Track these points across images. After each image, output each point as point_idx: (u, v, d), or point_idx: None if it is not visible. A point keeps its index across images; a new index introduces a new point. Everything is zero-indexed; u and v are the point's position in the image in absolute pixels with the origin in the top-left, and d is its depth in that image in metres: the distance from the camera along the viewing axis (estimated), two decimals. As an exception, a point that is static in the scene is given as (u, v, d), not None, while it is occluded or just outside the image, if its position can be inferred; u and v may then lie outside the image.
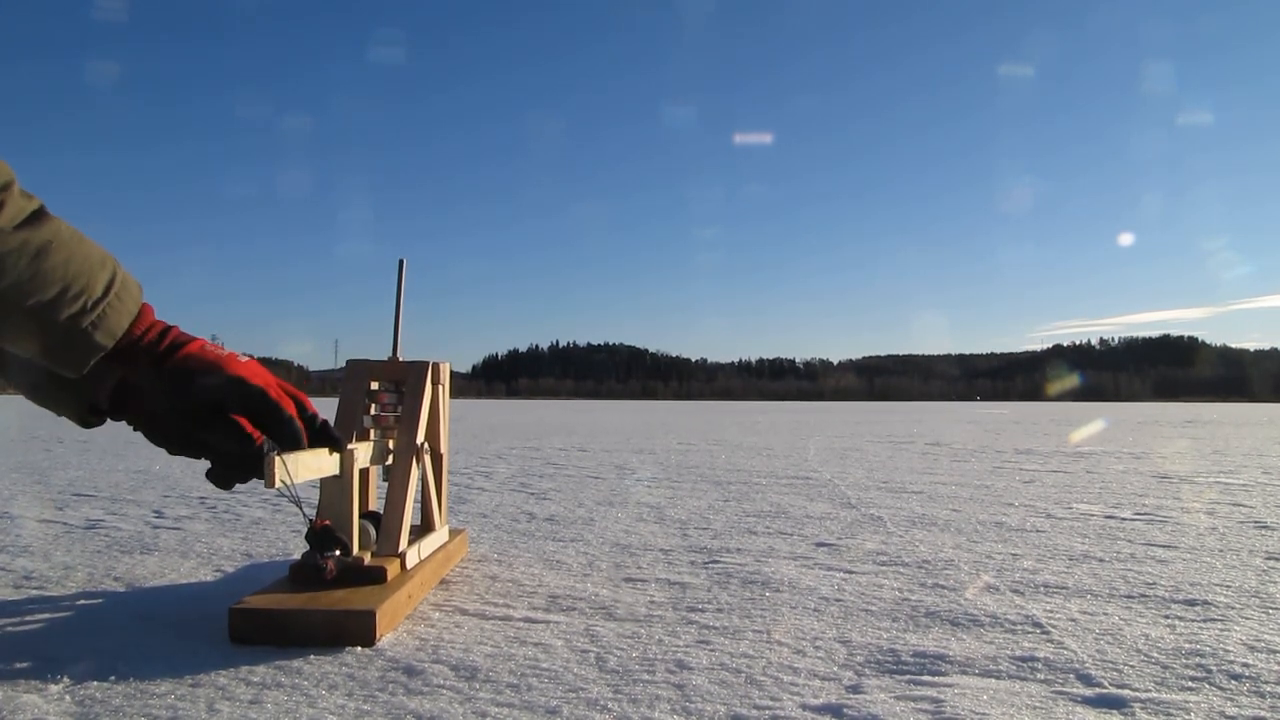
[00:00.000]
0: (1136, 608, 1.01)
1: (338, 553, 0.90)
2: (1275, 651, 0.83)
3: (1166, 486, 2.42)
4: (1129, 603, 1.03)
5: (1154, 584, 1.14)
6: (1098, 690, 0.72)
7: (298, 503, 0.81)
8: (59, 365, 0.68)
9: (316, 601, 0.85)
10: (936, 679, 0.75)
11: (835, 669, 0.77)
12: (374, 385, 1.11)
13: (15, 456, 3.27)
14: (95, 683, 0.72)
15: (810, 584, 1.12)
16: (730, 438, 5.21)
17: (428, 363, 1.12)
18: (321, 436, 0.83)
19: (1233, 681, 0.75)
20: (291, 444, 0.77)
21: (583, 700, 0.69)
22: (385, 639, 0.85)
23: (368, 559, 0.94)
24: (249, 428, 0.75)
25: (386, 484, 1.07)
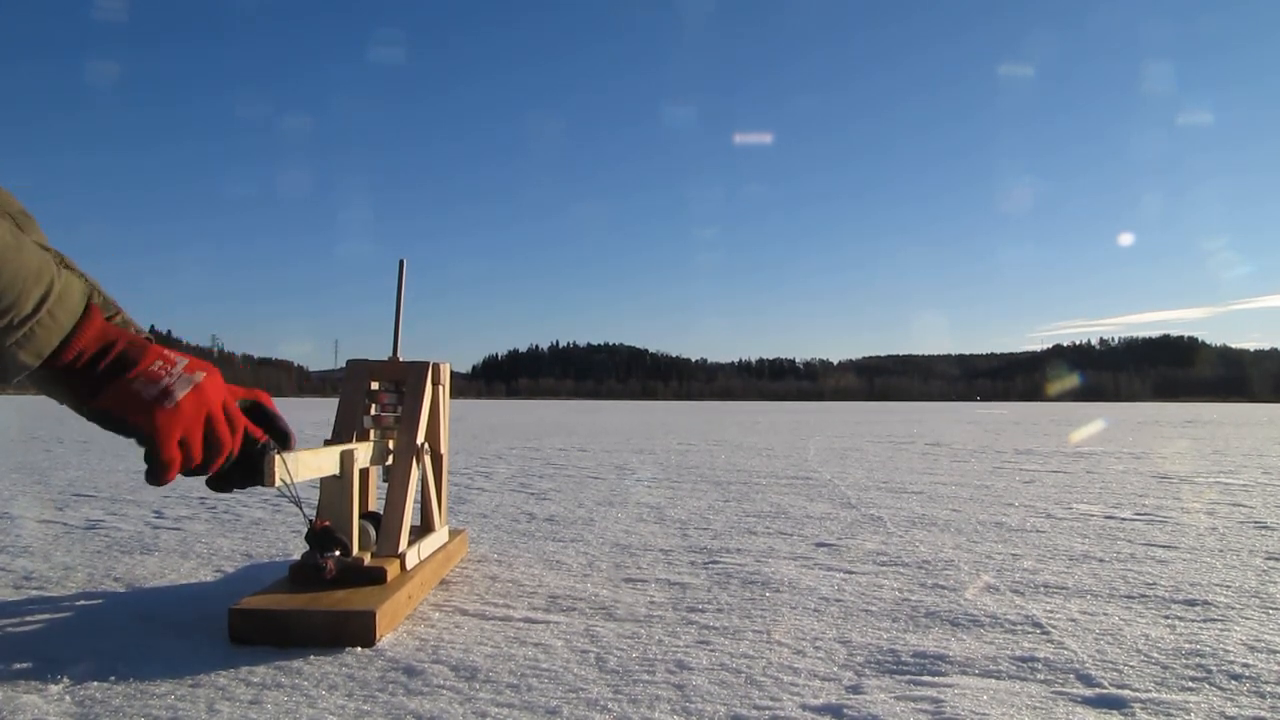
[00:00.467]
0: (1136, 608, 1.01)
1: (337, 553, 0.90)
2: (1275, 651, 0.83)
3: (1166, 486, 2.42)
4: (1129, 603, 1.03)
5: (1154, 584, 1.14)
6: (1098, 690, 0.72)
7: (297, 502, 0.81)
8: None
9: (317, 602, 0.85)
10: (936, 679, 0.75)
11: (835, 669, 0.77)
12: (374, 385, 1.11)
13: (15, 457, 3.27)
14: (95, 683, 0.72)
15: (810, 584, 1.12)
16: (730, 438, 5.21)
17: (428, 363, 1.12)
18: (248, 470, 0.79)
19: (1233, 681, 0.75)
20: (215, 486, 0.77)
21: (583, 700, 0.69)
22: (385, 639, 0.85)
23: (368, 559, 0.94)
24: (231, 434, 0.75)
25: (386, 484, 1.07)
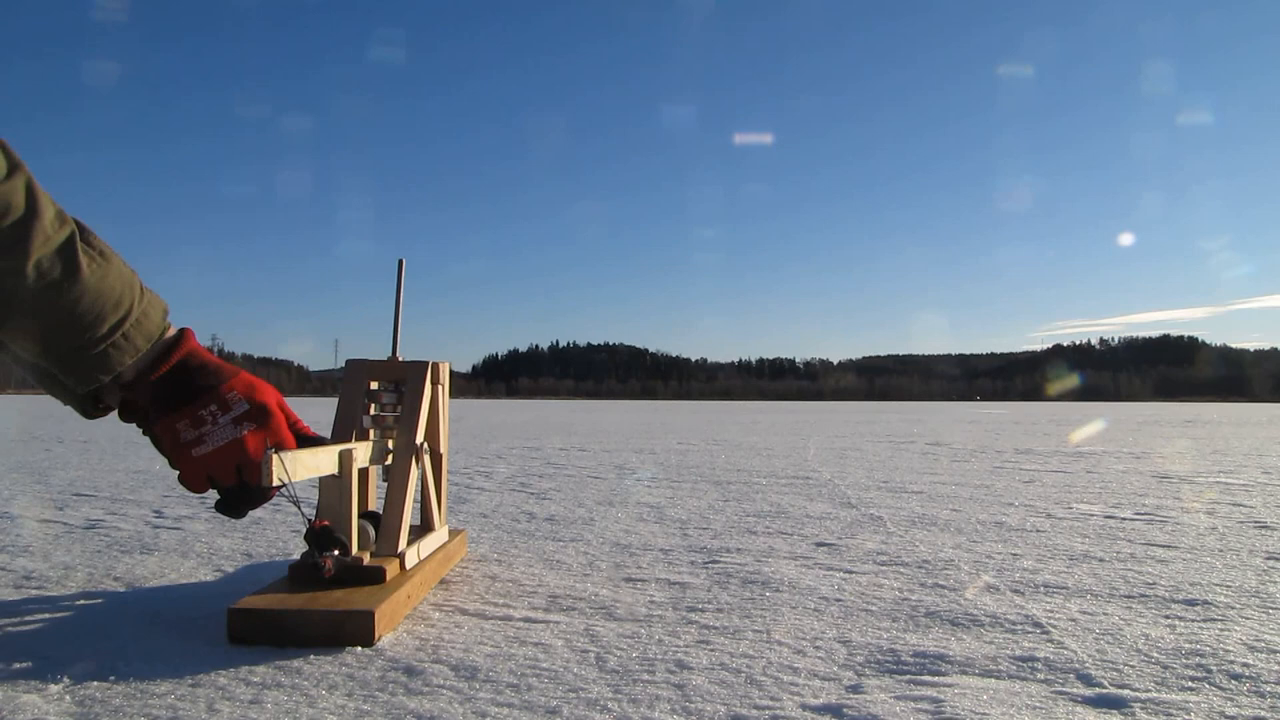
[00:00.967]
0: (1136, 608, 1.01)
1: (336, 553, 0.90)
2: (1275, 651, 0.83)
3: (1166, 486, 2.42)
4: (1129, 603, 1.03)
5: (1154, 584, 1.14)
6: (1098, 690, 0.72)
7: (296, 502, 0.82)
8: (63, 377, 0.74)
9: (315, 602, 0.85)
10: (936, 679, 0.75)
11: (835, 669, 0.77)
12: (373, 385, 1.11)
13: (15, 456, 3.27)
14: (95, 683, 0.72)
15: (810, 584, 1.12)
16: (730, 438, 5.21)
17: (427, 363, 1.12)
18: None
19: (1233, 681, 0.75)
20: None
21: (583, 700, 0.69)
22: (385, 639, 0.85)
23: (367, 559, 0.94)
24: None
25: (386, 484, 1.07)
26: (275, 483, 0.77)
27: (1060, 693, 0.72)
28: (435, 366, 1.14)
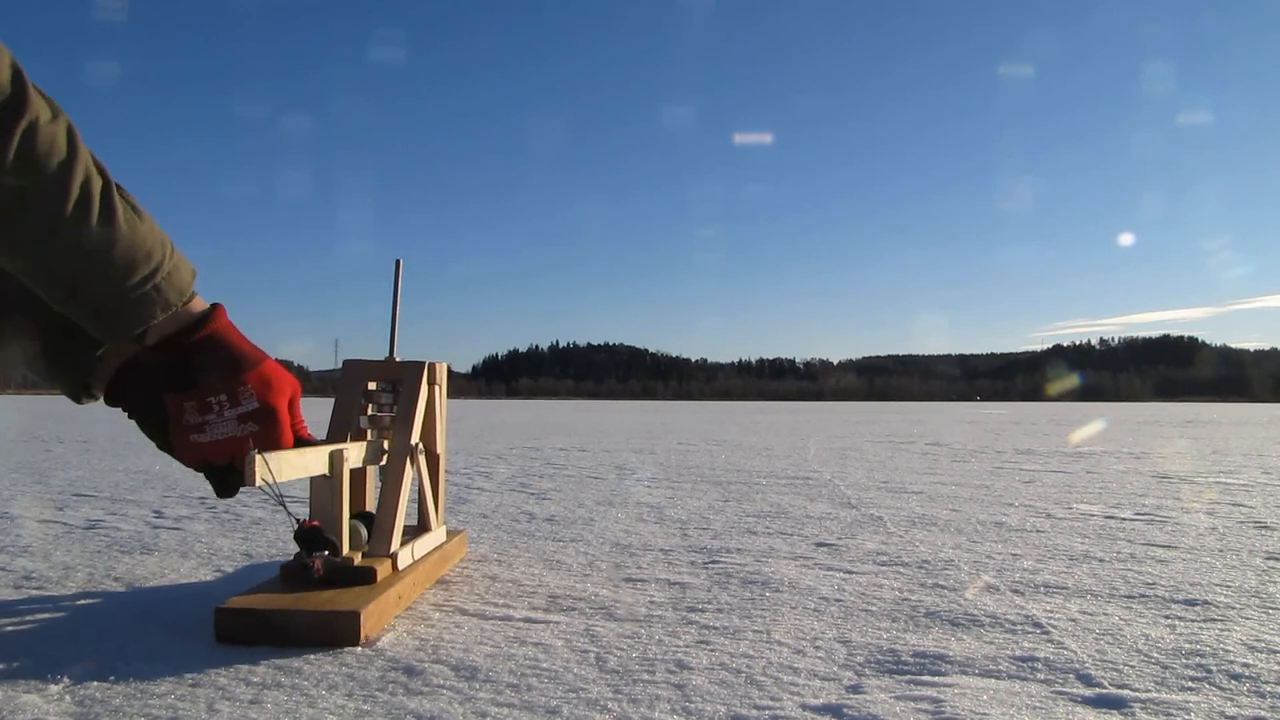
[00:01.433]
0: (1136, 608, 1.01)
1: (326, 552, 0.90)
2: (1275, 651, 0.83)
3: (1166, 486, 2.42)
4: (1129, 603, 1.03)
5: (1154, 584, 1.14)
6: (1098, 690, 0.72)
7: (281, 502, 0.81)
8: (91, 326, 0.72)
9: (303, 602, 0.85)
10: (936, 679, 0.75)
11: (835, 669, 0.77)
12: (371, 386, 1.11)
13: (15, 456, 3.27)
14: (95, 683, 0.72)
15: (810, 584, 1.12)
16: (730, 438, 5.21)
17: (423, 363, 1.12)
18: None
19: (1233, 681, 0.75)
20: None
21: (583, 700, 0.69)
22: (385, 639, 0.85)
23: (358, 559, 0.94)
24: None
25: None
26: (258, 483, 0.75)
27: (1060, 693, 0.72)
28: (432, 367, 1.14)
